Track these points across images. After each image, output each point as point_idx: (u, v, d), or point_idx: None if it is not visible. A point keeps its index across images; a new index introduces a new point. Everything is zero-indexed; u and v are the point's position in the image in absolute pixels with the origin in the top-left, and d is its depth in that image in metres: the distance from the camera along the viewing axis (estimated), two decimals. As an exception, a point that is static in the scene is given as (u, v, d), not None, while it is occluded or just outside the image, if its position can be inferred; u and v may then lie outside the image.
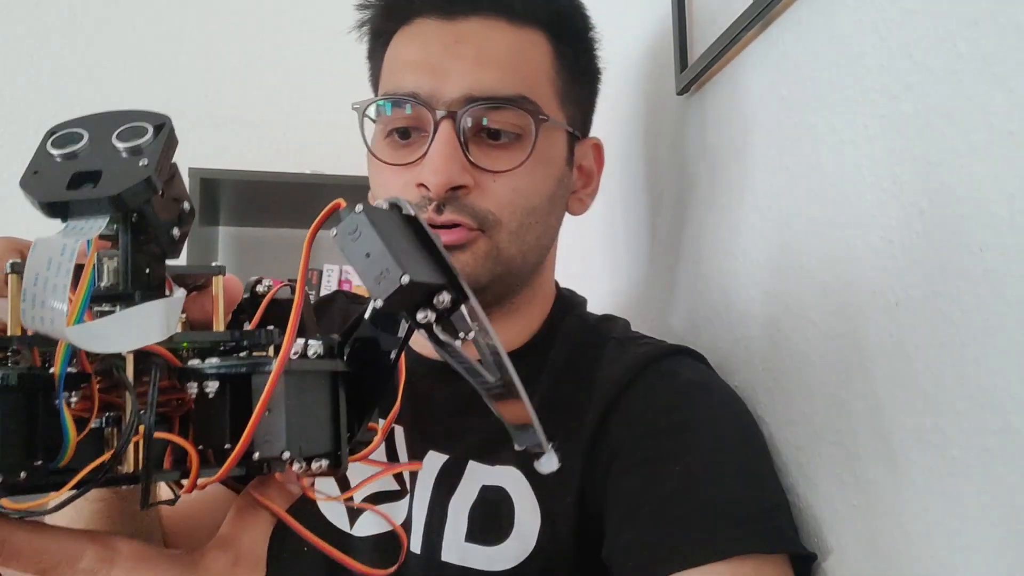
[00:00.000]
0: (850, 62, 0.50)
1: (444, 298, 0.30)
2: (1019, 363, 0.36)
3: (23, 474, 0.27)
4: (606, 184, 1.03)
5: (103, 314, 0.30)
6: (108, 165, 0.30)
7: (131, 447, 0.30)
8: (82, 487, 0.28)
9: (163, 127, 0.31)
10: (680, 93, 0.74)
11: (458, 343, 0.32)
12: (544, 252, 0.66)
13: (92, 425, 0.30)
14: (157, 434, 0.30)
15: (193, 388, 0.31)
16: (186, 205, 0.33)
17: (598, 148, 0.72)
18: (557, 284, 0.72)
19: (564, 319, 0.68)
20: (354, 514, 0.62)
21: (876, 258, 0.47)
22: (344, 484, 0.56)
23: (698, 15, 0.71)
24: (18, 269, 0.30)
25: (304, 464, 0.31)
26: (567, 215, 0.69)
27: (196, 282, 0.36)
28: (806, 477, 0.54)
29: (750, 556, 0.49)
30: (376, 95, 0.68)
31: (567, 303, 0.71)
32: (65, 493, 0.28)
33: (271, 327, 0.34)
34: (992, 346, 0.38)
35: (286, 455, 0.30)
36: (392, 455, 0.63)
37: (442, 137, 0.59)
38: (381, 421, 0.37)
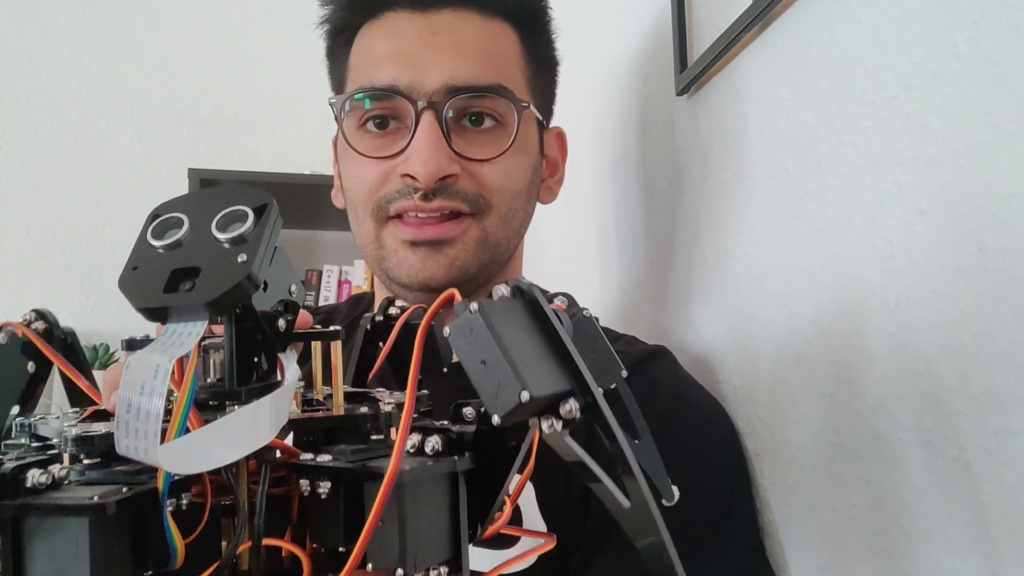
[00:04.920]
0: (850, 62, 0.49)
1: (572, 407, 0.26)
2: (1019, 363, 0.36)
3: None
4: (602, 184, 1.02)
5: (208, 420, 0.28)
6: (206, 260, 0.27)
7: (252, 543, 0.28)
8: None
9: (264, 209, 0.29)
10: (680, 94, 0.74)
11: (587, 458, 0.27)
12: (520, 241, 0.68)
13: (207, 515, 0.28)
14: (266, 541, 0.28)
15: (305, 485, 0.28)
16: (293, 288, 0.31)
17: (561, 137, 0.74)
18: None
19: None
20: None
21: (876, 258, 0.47)
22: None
23: (698, 15, 0.71)
24: (135, 346, 0.30)
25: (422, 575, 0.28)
26: (538, 205, 0.71)
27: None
28: (806, 477, 0.54)
29: None
30: (341, 93, 0.68)
31: None
32: None
33: (390, 408, 0.32)
34: (992, 346, 0.38)
35: (400, 572, 0.27)
36: None
37: (426, 127, 0.60)
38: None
